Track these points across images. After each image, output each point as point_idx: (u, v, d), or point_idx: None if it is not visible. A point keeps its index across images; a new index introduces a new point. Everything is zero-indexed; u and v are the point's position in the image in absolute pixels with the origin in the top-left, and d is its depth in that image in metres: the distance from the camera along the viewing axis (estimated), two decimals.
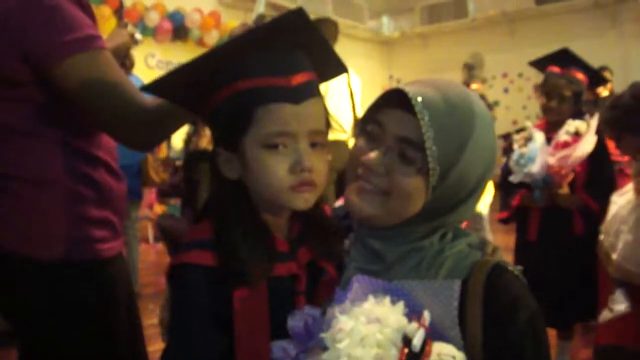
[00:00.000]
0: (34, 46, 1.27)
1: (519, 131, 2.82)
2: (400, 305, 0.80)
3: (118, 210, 1.48)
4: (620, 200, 2.32)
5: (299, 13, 0.95)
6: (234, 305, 0.93)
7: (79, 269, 1.38)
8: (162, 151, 6.30)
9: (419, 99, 0.91)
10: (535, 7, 10.52)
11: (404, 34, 12.39)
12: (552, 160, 2.54)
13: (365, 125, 1.01)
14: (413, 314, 0.79)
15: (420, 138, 0.91)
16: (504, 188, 2.89)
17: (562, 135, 2.61)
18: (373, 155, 0.96)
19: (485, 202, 4.61)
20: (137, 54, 2.58)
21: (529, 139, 2.69)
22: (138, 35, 2.05)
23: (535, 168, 2.57)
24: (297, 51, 0.98)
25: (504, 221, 2.94)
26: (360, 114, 1.00)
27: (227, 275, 0.93)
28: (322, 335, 0.79)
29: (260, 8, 1.74)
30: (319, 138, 0.98)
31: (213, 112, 1.00)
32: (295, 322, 0.88)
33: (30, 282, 1.35)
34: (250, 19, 8.53)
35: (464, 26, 11.52)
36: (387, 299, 0.81)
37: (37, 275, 1.34)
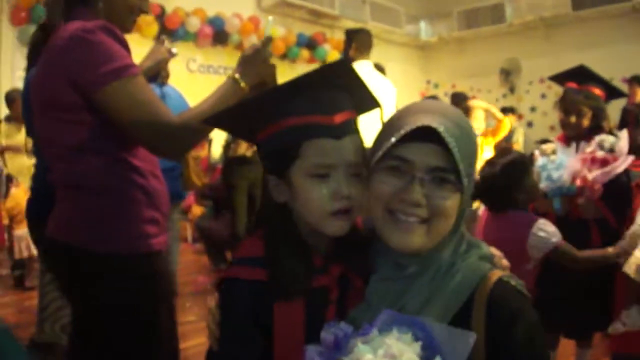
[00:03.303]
0: (79, 77, 1.50)
1: (542, 142, 2.89)
2: (417, 345, 0.87)
3: (163, 209, 1.70)
4: None
5: (345, 62, 1.10)
6: (274, 314, 1.06)
7: (134, 261, 1.60)
8: (204, 151, 6.52)
9: (442, 129, 0.99)
10: (572, 13, 10.43)
11: (441, 39, 12.40)
12: (589, 176, 2.58)
13: (383, 163, 1.06)
14: (428, 353, 0.86)
15: (449, 163, 1.01)
16: None
17: (598, 151, 2.64)
18: (414, 191, 1.01)
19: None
20: (178, 59, 2.80)
21: (555, 150, 2.78)
22: (174, 50, 2.25)
23: (566, 175, 2.62)
24: (339, 92, 1.11)
25: None
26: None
27: (271, 288, 1.06)
28: (343, 358, 0.88)
29: (268, 31, 1.92)
30: (357, 170, 1.09)
31: (264, 144, 1.13)
32: (328, 333, 0.94)
33: (93, 272, 1.57)
34: (289, 23, 8.66)
35: (501, 31, 11.47)
36: (409, 335, 0.88)
37: (98, 267, 1.56)
